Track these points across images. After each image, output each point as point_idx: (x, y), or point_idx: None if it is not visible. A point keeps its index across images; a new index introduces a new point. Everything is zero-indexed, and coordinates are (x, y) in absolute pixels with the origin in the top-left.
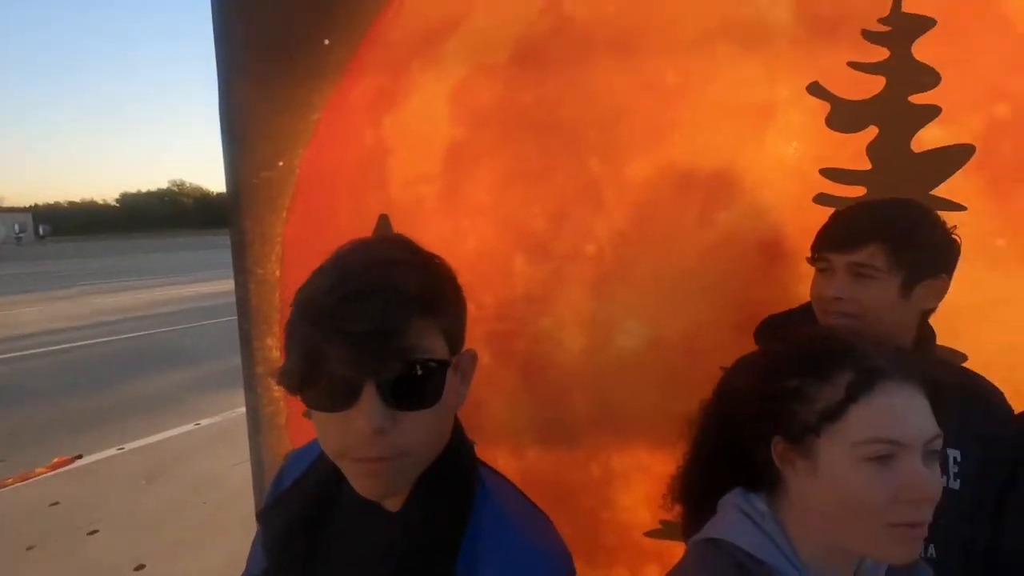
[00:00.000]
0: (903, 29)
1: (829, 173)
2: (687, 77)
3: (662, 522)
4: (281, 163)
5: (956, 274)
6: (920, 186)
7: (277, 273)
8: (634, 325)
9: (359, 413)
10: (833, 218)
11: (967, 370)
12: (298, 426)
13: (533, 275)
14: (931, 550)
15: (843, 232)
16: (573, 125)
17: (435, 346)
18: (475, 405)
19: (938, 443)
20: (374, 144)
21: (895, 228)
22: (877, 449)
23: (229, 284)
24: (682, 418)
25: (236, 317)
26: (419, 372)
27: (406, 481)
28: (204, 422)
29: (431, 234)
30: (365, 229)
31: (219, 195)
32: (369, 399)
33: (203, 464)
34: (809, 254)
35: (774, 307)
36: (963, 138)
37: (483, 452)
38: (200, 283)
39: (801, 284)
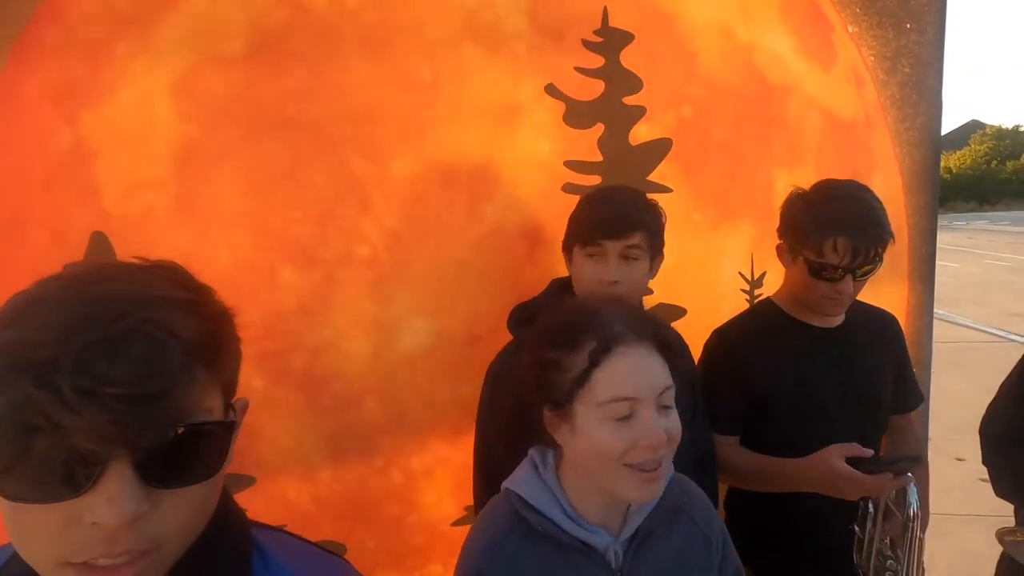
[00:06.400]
0: (612, 41)
1: (571, 165)
2: (440, 75)
3: (467, 508)
4: None
5: (670, 244)
6: (639, 174)
7: None
8: (418, 322)
9: (101, 500)
10: (594, 209)
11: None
12: None
13: (303, 285)
14: None
15: (616, 222)
16: (326, 122)
17: (214, 406)
18: (252, 437)
19: (670, 394)
20: (72, 146)
21: (651, 216)
22: (619, 407)
23: None
24: (472, 403)
25: None
26: (193, 437)
27: None
28: None
29: (169, 248)
30: (71, 252)
31: None
32: (118, 478)
33: None
34: (571, 241)
35: (539, 287)
36: (663, 133)
37: (269, 488)
38: None
39: (558, 264)
